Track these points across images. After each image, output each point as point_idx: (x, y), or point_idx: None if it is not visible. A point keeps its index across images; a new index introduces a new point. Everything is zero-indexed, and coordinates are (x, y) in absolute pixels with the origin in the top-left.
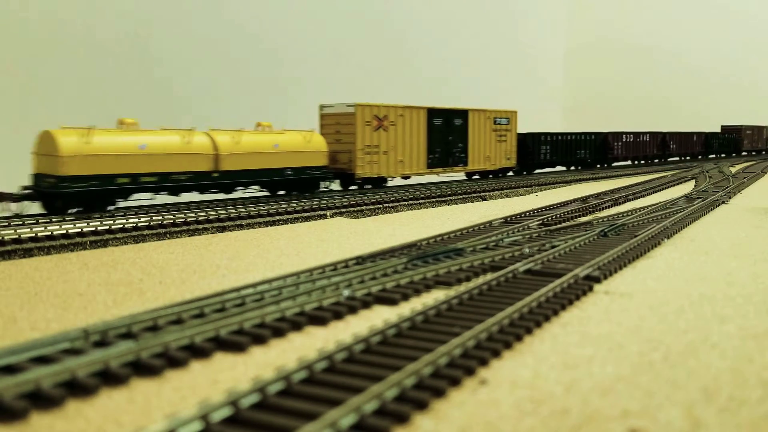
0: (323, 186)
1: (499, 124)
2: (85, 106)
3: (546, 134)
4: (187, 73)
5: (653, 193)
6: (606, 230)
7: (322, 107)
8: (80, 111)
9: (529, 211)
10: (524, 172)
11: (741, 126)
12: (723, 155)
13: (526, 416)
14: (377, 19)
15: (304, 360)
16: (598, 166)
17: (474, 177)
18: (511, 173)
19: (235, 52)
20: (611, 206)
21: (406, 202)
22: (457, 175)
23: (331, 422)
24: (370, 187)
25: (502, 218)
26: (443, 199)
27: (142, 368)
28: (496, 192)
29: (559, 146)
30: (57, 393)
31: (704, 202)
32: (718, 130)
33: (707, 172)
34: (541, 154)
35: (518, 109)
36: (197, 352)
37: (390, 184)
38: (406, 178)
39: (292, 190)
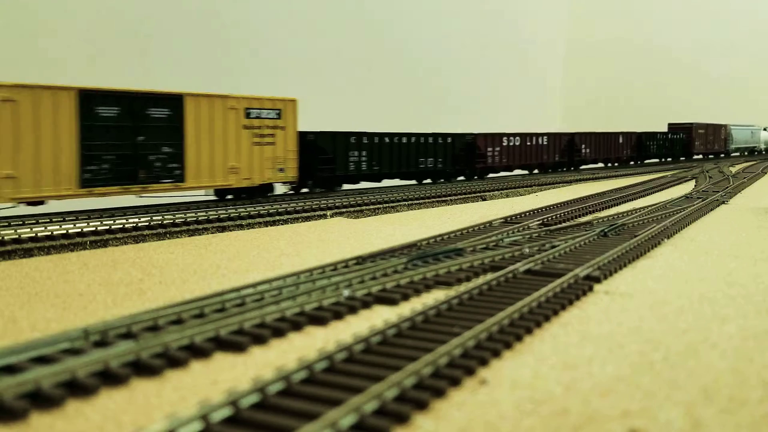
0: None
1: (257, 118)
2: None
3: (360, 134)
4: (186, 73)
5: (653, 193)
6: (606, 230)
7: None
8: None
9: (529, 211)
10: (318, 190)
11: (692, 124)
12: (669, 159)
13: (526, 416)
14: (374, 19)
15: (304, 360)
16: (462, 178)
17: (228, 197)
18: (304, 189)
19: (234, 53)
20: (611, 206)
21: (406, 202)
22: (173, 196)
23: (331, 422)
24: None
25: (502, 218)
26: (443, 199)
27: (142, 368)
28: (496, 192)
29: (386, 152)
30: (57, 393)
31: (704, 202)
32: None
33: (707, 172)
34: (351, 163)
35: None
36: (197, 352)
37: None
38: (34, 204)
39: None
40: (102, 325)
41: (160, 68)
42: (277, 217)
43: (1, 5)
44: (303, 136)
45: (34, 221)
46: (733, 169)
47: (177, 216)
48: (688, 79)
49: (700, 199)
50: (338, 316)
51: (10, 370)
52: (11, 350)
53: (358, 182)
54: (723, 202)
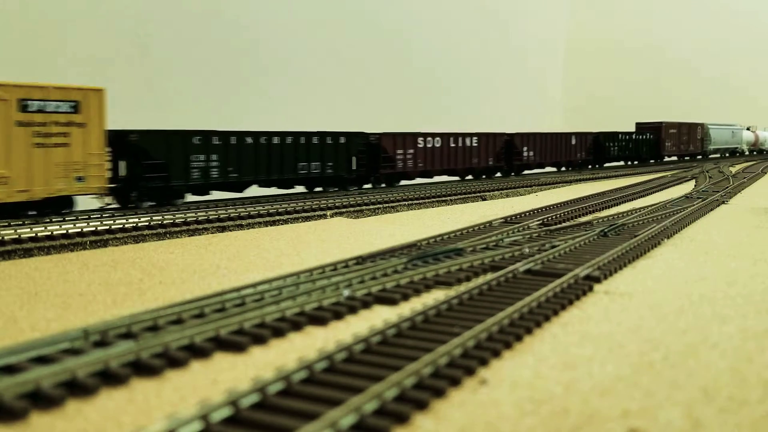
0: None
1: (40, 112)
2: None
3: (208, 134)
4: (186, 72)
5: (653, 193)
6: (606, 230)
7: None
8: None
9: (529, 211)
10: (148, 204)
11: (661, 123)
12: (635, 162)
13: (526, 416)
14: (373, 19)
15: (304, 360)
16: (369, 186)
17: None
18: (137, 205)
19: (239, 58)
20: (611, 206)
21: (406, 202)
22: None
23: (331, 422)
24: None
25: (502, 218)
26: (443, 199)
27: (142, 368)
28: (496, 192)
29: (248, 155)
30: (57, 393)
31: (704, 202)
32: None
33: (707, 172)
34: (195, 170)
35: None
36: (197, 352)
37: None
38: None
39: None
40: (102, 325)
41: (161, 68)
42: (277, 217)
43: (1, 5)
44: (123, 136)
45: (34, 221)
46: (733, 169)
47: (177, 216)
48: (690, 80)
49: (700, 199)
50: (338, 316)
51: (10, 370)
52: (11, 350)
53: (207, 193)
54: (723, 202)
